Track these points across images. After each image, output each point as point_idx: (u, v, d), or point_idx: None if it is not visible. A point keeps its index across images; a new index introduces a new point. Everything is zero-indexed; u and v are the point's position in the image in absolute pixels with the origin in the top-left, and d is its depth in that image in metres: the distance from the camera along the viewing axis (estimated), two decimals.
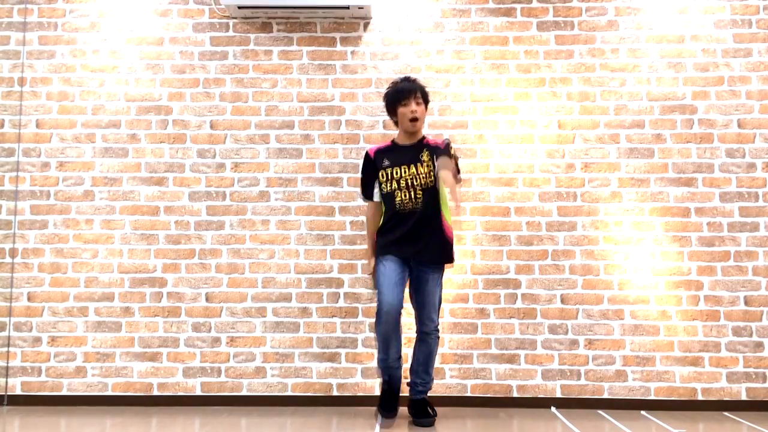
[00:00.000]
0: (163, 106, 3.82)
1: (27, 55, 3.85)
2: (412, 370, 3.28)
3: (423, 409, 3.21)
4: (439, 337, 3.28)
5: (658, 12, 3.81)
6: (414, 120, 3.18)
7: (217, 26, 3.86)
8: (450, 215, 3.28)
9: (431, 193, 3.17)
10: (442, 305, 3.66)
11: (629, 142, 3.74)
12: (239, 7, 3.69)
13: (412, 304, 3.27)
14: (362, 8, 3.70)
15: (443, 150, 3.10)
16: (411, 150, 3.22)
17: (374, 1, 3.71)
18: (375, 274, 3.22)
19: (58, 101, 3.82)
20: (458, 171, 3.19)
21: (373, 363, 3.62)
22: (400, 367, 3.25)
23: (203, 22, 3.87)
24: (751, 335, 3.60)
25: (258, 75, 3.83)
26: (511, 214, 3.72)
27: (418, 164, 3.17)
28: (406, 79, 3.26)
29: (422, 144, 3.24)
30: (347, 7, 3.68)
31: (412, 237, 3.14)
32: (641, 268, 3.66)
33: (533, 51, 3.81)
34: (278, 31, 3.86)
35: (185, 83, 3.83)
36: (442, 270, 3.24)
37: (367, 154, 3.31)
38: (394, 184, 3.17)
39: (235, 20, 3.86)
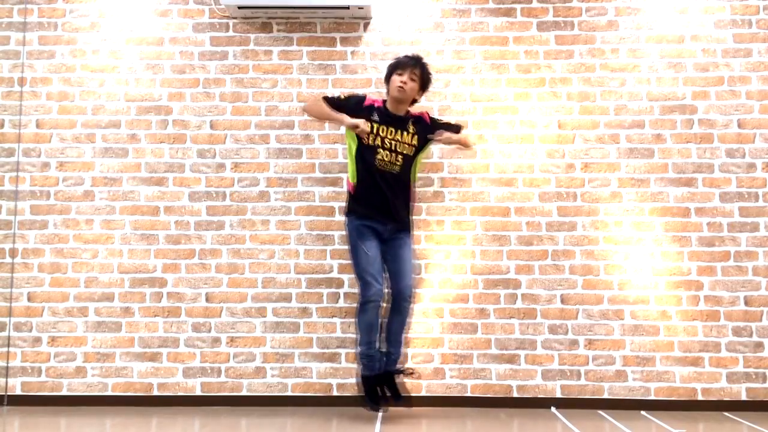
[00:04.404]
0: (163, 106, 3.82)
1: (27, 55, 3.85)
2: (387, 340, 3.31)
3: (395, 386, 3.28)
4: (412, 305, 3.37)
5: (658, 12, 3.81)
6: (401, 89, 3.26)
7: (217, 26, 3.86)
8: (414, 182, 3.44)
9: (409, 162, 3.31)
10: (442, 305, 3.66)
11: (629, 142, 3.74)
12: (239, 7, 3.69)
13: (389, 273, 3.32)
14: (362, 8, 3.70)
15: (433, 125, 3.36)
16: (400, 118, 3.34)
17: (374, 1, 3.71)
18: (350, 238, 3.31)
19: (58, 101, 3.82)
20: (455, 128, 3.42)
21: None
22: (379, 353, 3.30)
23: (203, 22, 3.87)
24: (751, 335, 3.60)
25: (258, 75, 3.83)
26: (511, 214, 3.72)
27: (405, 132, 3.31)
28: (413, 56, 3.37)
29: (408, 116, 3.37)
30: (347, 7, 3.68)
31: (388, 196, 3.25)
32: (641, 268, 3.66)
33: (533, 51, 3.81)
34: (278, 31, 3.86)
35: (185, 83, 3.83)
36: (412, 237, 3.39)
37: (365, 96, 3.40)
38: (378, 141, 3.26)
39: (235, 20, 3.86)
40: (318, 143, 3.78)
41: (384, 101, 3.37)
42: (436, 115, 3.58)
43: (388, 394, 3.28)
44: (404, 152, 3.29)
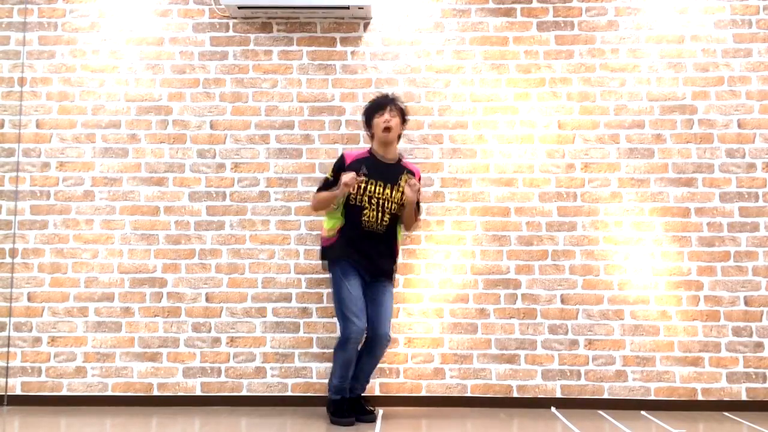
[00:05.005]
0: (163, 106, 3.82)
1: (27, 55, 3.85)
2: (356, 377, 3.26)
3: (362, 406, 3.27)
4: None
5: (658, 12, 3.81)
6: (387, 129, 3.21)
7: (217, 26, 3.86)
8: (401, 234, 3.40)
9: (395, 218, 3.26)
10: (442, 305, 3.66)
11: (629, 142, 3.74)
12: (239, 7, 3.69)
13: (367, 316, 3.21)
14: (362, 8, 3.70)
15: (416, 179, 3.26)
16: (392, 170, 3.27)
17: (374, 1, 3.71)
18: (333, 276, 3.23)
19: (58, 101, 3.82)
20: (419, 208, 3.35)
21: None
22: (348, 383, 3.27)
23: (203, 22, 3.87)
24: (751, 335, 3.60)
25: (258, 75, 3.83)
26: (511, 214, 3.72)
27: (395, 188, 3.24)
28: (385, 95, 3.35)
29: (401, 166, 3.31)
30: (347, 7, 3.68)
31: (369, 254, 3.19)
32: (641, 268, 3.66)
33: (533, 51, 3.81)
34: (278, 31, 3.86)
35: (185, 83, 3.83)
36: (393, 283, 3.34)
37: (342, 157, 3.29)
38: (365, 200, 3.19)
39: (235, 20, 3.86)
40: (318, 143, 3.78)
41: (369, 150, 3.32)
42: (436, 115, 3.59)
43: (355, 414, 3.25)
44: (392, 211, 3.23)
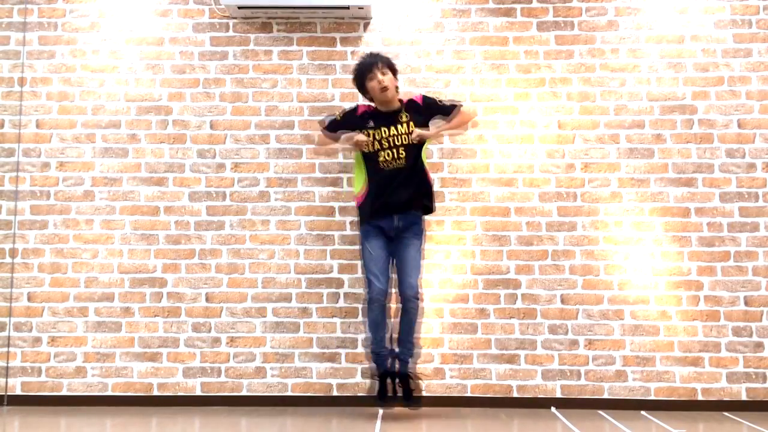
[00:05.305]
0: (163, 106, 3.82)
1: (27, 55, 3.85)
2: (398, 340, 3.32)
3: (409, 389, 3.28)
4: (419, 305, 3.31)
5: (658, 12, 3.81)
6: (384, 89, 3.29)
7: (217, 26, 3.86)
8: (426, 161, 3.43)
9: (412, 150, 3.31)
10: (442, 305, 3.66)
11: (629, 142, 3.74)
12: (239, 7, 3.69)
13: (396, 272, 3.34)
14: (362, 8, 3.70)
15: (422, 106, 3.37)
16: (390, 114, 3.35)
17: (374, 1, 3.71)
18: (360, 240, 3.39)
19: (58, 101, 3.82)
20: (448, 110, 3.40)
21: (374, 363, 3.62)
22: (390, 351, 3.32)
23: (203, 22, 3.87)
24: (751, 335, 3.60)
25: (258, 75, 3.83)
26: (511, 214, 3.72)
27: (398, 125, 3.31)
28: (367, 56, 3.39)
29: (401, 107, 3.37)
30: (347, 7, 3.68)
31: (397, 193, 3.27)
32: (641, 268, 3.66)
33: (533, 51, 3.81)
34: (278, 31, 3.86)
35: (185, 83, 3.83)
36: (422, 236, 3.38)
37: (357, 107, 3.43)
38: (377, 145, 3.29)
39: (235, 20, 3.86)
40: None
41: (375, 107, 3.40)
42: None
43: (399, 393, 3.29)
44: (404, 143, 3.30)
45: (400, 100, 3.40)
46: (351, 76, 3.80)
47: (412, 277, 3.27)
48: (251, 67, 3.84)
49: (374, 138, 3.30)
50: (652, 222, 3.69)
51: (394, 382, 3.31)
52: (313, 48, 3.84)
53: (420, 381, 3.38)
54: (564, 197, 3.72)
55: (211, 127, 3.81)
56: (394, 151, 3.28)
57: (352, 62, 3.81)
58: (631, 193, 3.71)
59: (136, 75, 3.84)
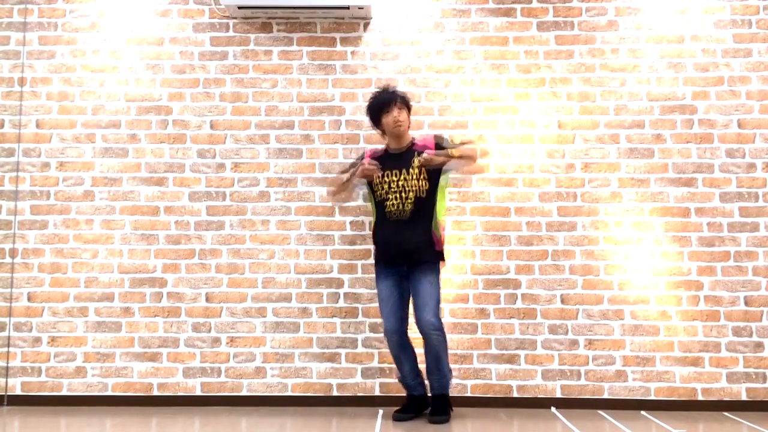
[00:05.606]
0: (163, 106, 3.82)
1: (27, 55, 3.85)
2: (426, 370, 3.30)
3: (439, 406, 3.26)
4: (442, 337, 3.21)
5: (658, 12, 3.81)
6: (398, 125, 3.28)
7: (217, 26, 3.87)
8: (442, 218, 3.33)
9: (422, 202, 3.24)
10: (442, 305, 3.66)
11: (629, 142, 3.74)
12: (239, 7, 3.69)
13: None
14: (362, 8, 3.70)
15: (438, 149, 3.27)
16: (402, 156, 3.31)
17: (374, 1, 3.71)
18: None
19: (58, 101, 3.82)
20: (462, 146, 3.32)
21: (374, 363, 3.63)
22: (420, 383, 3.35)
23: (203, 22, 3.87)
24: (751, 335, 3.60)
25: (258, 75, 3.83)
26: (511, 214, 3.72)
27: (410, 169, 3.25)
28: (385, 90, 3.36)
29: (412, 150, 3.32)
30: (347, 7, 3.68)
31: (400, 243, 3.22)
32: (641, 268, 3.66)
33: (533, 51, 3.81)
34: (278, 31, 3.86)
35: (185, 83, 3.83)
36: (435, 271, 3.27)
37: (363, 155, 3.44)
38: (386, 188, 3.26)
39: (235, 20, 3.86)
40: (318, 143, 3.78)
41: (385, 147, 3.39)
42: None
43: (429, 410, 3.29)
44: (413, 193, 3.24)
45: (413, 143, 3.34)
46: (350, 76, 3.81)
47: (426, 313, 3.17)
48: (251, 67, 3.84)
49: (382, 182, 3.27)
50: (652, 222, 3.69)
51: (419, 408, 3.31)
52: (313, 48, 3.84)
53: (450, 408, 3.32)
54: (564, 197, 3.72)
55: (211, 127, 3.81)
56: (402, 200, 3.23)
57: (352, 62, 3.82)
58: (631, 193, 3.71)
59: (136, 75, 3.84)
